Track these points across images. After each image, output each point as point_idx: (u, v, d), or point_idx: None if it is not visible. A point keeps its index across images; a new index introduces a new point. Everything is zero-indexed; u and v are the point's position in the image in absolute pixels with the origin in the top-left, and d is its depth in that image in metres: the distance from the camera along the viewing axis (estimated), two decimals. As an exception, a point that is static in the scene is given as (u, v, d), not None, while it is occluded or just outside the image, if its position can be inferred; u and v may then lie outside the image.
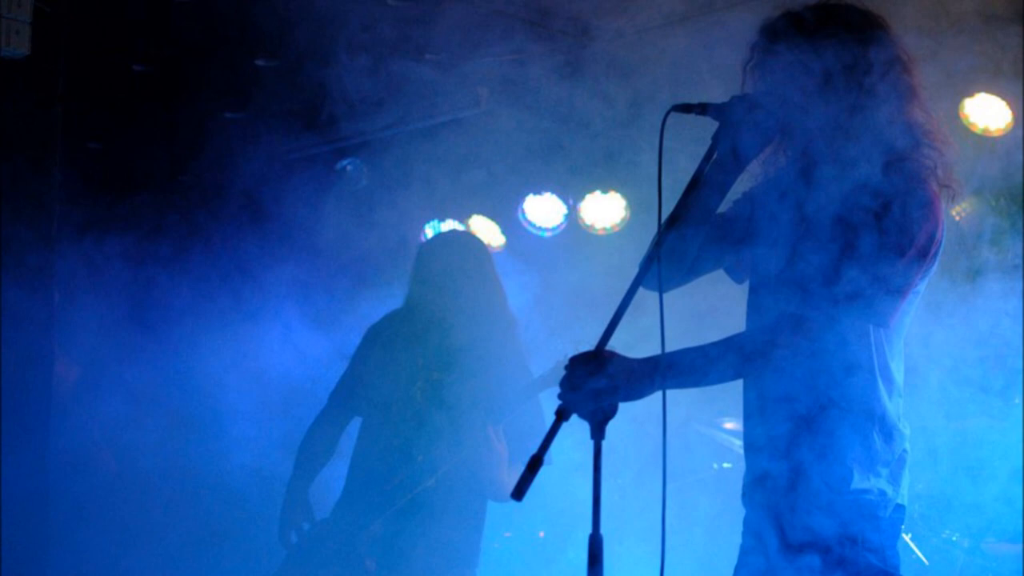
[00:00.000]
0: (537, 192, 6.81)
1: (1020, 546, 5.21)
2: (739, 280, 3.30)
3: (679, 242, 3.10)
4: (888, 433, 2.99)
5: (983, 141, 5.52)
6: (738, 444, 5.81)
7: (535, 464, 2.70)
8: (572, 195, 6.77)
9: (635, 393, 2.86)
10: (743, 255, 3.24)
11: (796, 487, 2.97)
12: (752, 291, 3.19)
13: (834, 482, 2.94)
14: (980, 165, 5.20)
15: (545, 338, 5.25)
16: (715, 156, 3.00)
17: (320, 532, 4.88)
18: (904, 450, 3.03)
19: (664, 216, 2.88)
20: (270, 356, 6.24)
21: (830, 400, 2.96)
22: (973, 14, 4.57)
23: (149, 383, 6.49)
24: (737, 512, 3.20)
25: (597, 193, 6.70)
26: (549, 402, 3.31)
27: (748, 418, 3.14)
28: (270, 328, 6.28)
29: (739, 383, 3.13)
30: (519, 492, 2.72)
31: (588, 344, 2.86)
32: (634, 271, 2.87)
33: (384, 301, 5.28)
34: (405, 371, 4.86)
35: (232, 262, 6.49)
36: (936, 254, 2.97)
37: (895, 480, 3.00)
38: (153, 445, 6.39)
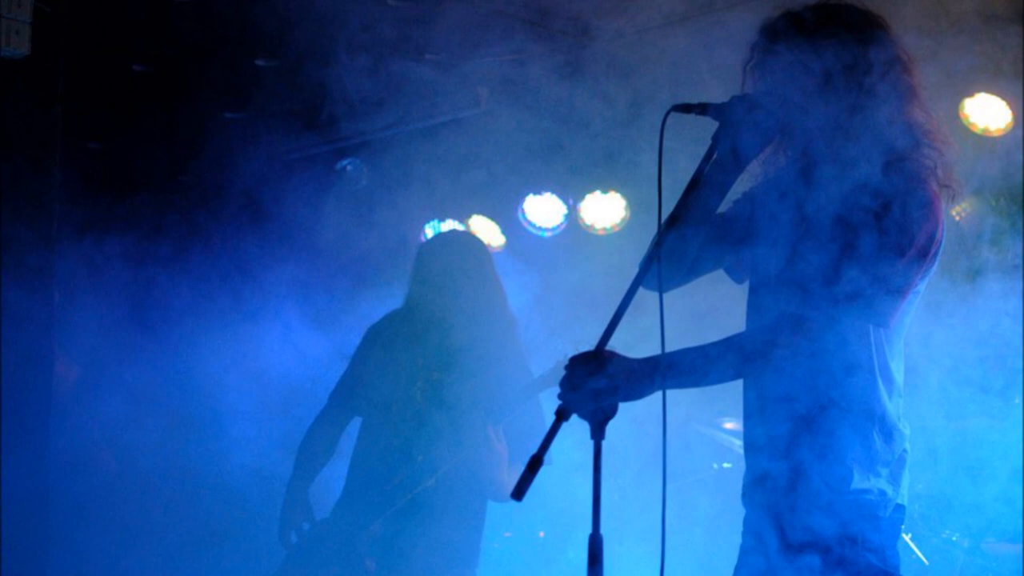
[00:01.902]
0: (537, 192, 6.81)
1: (1020, 546, 5.21)
2: (739, 280, 3.30)
3: (679, 242, 3.10)
4: (888, 433, 2.99)
5: (983, 141, 5.52)
6: (738, 444, 5.81)
7: (535, 464, 2.70)
8: (572, 195, 6.76)
9: (635, 393, 2.86)
10: (743, 255, 3.24)
11: (796, 487, 2.97)
12: (752, 291, 3.19)
13: (834, 482, 2.94)
14: (980, 165, 5.20)
15: (545, 338, 5.24)
16: (715, 156, 3.00)
17: (320, 532, 4.88)
18: (904, 450, 3.03)
19: (664, 216, 2.88)
20: (270, 356, 6.24)
21: (830, 400, 2.96)
22: (973, 14, 4.57)
23: (149, 383, 6.49)
24: (737, 512, 3.20)
25: (597, 193, 6.70)
26: (549, 402, 3.31)
27: (748, 418, 3.14)
28: (270, 328, 6.28)
29: (739, 383, 3.13)
30: (519, 492, 2.72)
31: (588, 344, 2.85)
32: (634, 271, 2.87)
33: (384, 301, 5.28)
34: (405, 371, 4.86)
35: (232, 262, 6.49)
36: (936, 254, 2.97)
37: (895, 480, 3.00)
38: (153, 445, 6.39)
